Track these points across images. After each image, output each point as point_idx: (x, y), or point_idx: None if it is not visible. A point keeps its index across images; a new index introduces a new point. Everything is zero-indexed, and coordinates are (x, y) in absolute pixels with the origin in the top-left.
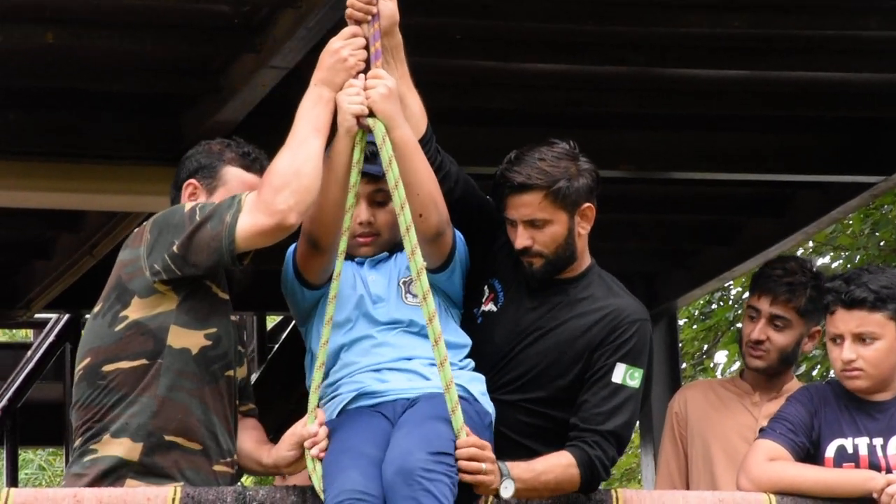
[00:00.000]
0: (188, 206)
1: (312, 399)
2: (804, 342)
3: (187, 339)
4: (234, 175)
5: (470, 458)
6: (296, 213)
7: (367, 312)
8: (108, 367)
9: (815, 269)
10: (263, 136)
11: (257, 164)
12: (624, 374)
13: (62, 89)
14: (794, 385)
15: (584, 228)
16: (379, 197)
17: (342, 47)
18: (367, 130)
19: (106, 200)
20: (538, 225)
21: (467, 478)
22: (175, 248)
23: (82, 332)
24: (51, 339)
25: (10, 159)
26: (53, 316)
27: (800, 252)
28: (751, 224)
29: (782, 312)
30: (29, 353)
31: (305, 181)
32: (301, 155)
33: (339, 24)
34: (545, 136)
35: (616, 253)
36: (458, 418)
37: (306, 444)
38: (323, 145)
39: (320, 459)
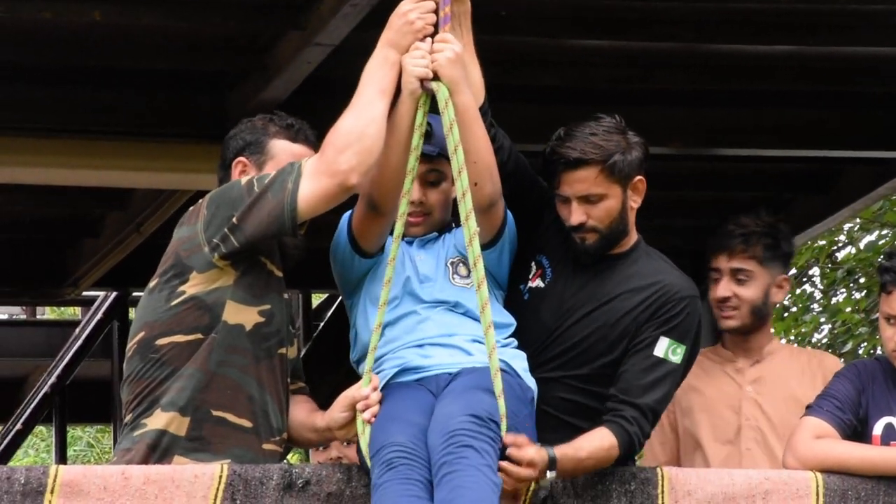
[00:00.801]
0: (245, 179)
1: (369, 360)
2: (773, 293)
3: (242, 315)
4: (281, 148)
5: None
6: (357, 173)
7: (413, 291)
8: (162, 341)
9: (772, 220)
10: (309, 113)
11: (301, 135)
12: (666, 349)
13: (109, 67)
14: (775, 346)
15: (635, 202)
16: (431, 177)
17: (411, 10)
18: (431, 94)
19: (153, 178)
20: (593, 200)
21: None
22: (235, 219)
23: (134, 308)
24: (98, 316)
25: (57, 137)
26: (101, 293)
27: (846, 228)
28: (798, 200)
29: (741, 265)
30: (77, 330)
31: (368, 142)
32: (365, 116)
33: (384, 1)
34: (594, 113)
35: (664, 230)
36: (499, 383)
37: (358, 406)
38: (387, 107)
39: (370, 423)
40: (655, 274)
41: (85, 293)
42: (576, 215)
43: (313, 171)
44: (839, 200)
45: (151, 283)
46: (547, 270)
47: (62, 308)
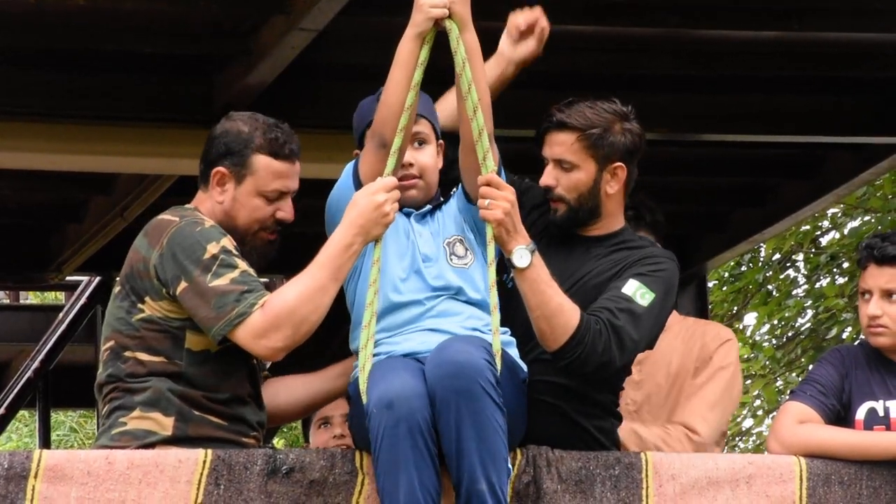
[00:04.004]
0: (210, 249)
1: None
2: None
3: (205, 342)
4: (262, 164)
5: (485, 196)
6: (285, 351)
7: (419, 270)
8: (129, 354)
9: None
10: (293, 98)
11: (285, 149)
12: (635, 290)
13: (92, 51)
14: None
15: (611, 187)
16: (417, 137)
17: (385, 201)
18: (443, 31)
19: (137, 163)
20: (565, 167)
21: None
22: (177, 290)
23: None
24: (82, 301)
25: (41, 121)
26: (85, 278)
27: (830, 213)
28: (782, 186)
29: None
30: (61, 315)
31: (305, 328)
32: (311, 301)
33: None
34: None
35: None
36: (496, 319)
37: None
38: (335, 293)
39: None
40: (635, 247)
41: (68, 278)
42: (546, 177)
43: (255, 328)
44: (823, 186)
45: (116, 289)
46: None
47: (46, 293)
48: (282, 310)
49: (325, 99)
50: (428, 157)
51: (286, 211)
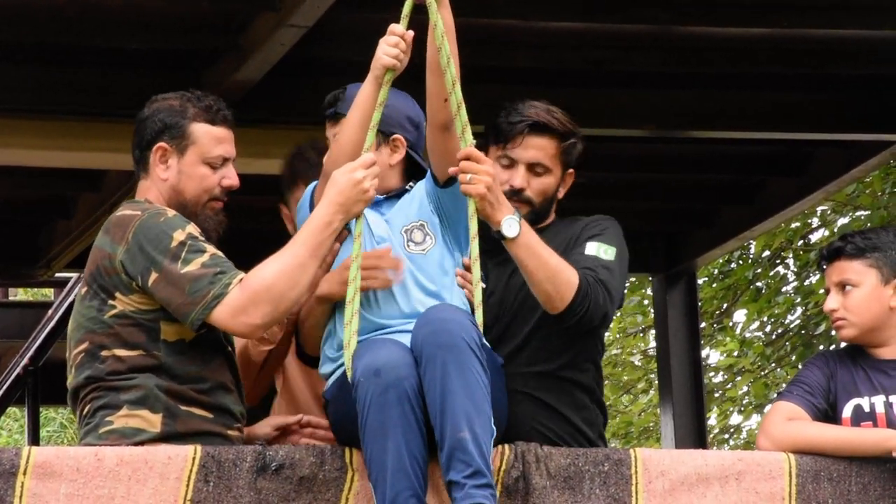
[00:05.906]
0: (176, 237)
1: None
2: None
3: (180, 331)
4: (203, 131)
5: (465, 170)
6: (263, 328)
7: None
8: (106, 353)
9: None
10: (283, 94)
11: (220, 116)
12: (597, 249)
13: (81, 46)
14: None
15: (561, 193)
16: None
17: (364, 178)
18: (422, 4)
19: (126, 159)
20: (539, 172)
21: (463, 177)
22: (150, 282)
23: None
24: (71, 297)
25: (29, 118)
26: (74, 275)
27: (820, 210)
28: (771, 183)
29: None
30: (50, 311)
31: (284, 305)
32: (291, 278)
33: None
34: (569, 96)
35: (637, 212)
36: (478, 294)
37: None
38: (315, 271)
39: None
40: (572, 223)
41: (58, 274)
42: (519, 179)
43: (231, 307)
44: (812, 183)
45: (82, 290)
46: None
47: (35, 289)
48: (260, 286)
49: (314, 95)
50: None
51: (231, 178)
